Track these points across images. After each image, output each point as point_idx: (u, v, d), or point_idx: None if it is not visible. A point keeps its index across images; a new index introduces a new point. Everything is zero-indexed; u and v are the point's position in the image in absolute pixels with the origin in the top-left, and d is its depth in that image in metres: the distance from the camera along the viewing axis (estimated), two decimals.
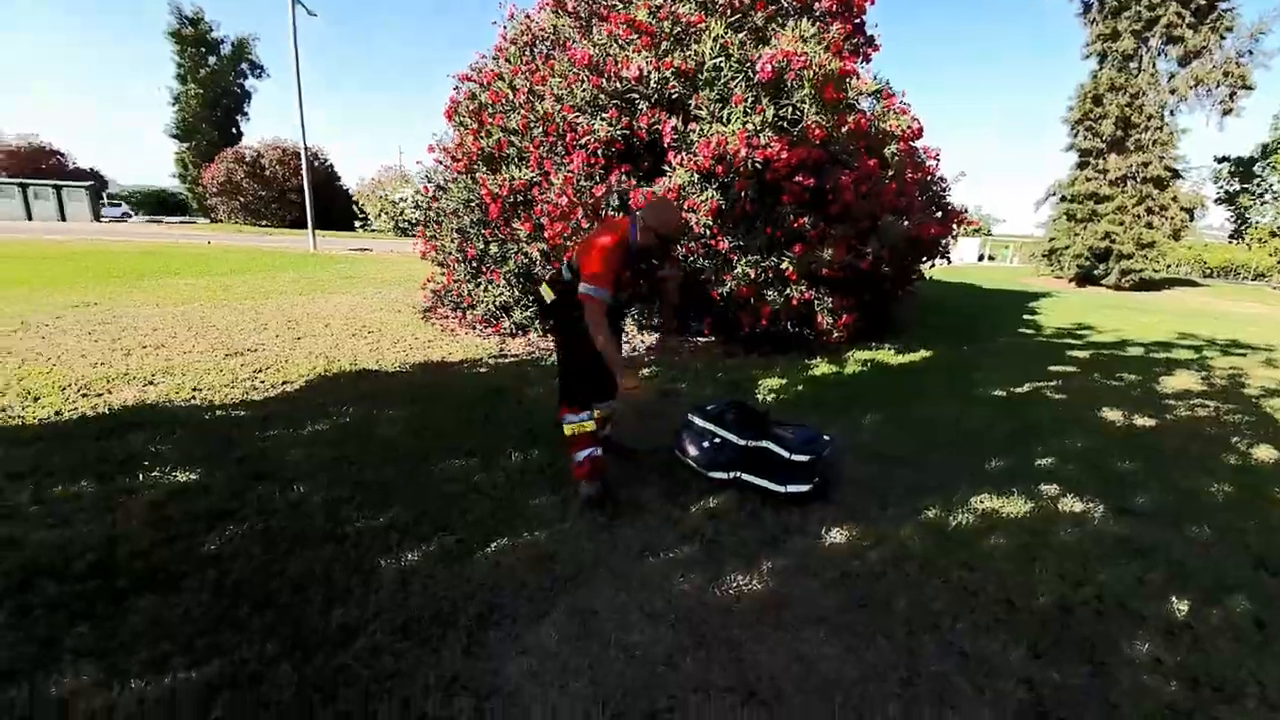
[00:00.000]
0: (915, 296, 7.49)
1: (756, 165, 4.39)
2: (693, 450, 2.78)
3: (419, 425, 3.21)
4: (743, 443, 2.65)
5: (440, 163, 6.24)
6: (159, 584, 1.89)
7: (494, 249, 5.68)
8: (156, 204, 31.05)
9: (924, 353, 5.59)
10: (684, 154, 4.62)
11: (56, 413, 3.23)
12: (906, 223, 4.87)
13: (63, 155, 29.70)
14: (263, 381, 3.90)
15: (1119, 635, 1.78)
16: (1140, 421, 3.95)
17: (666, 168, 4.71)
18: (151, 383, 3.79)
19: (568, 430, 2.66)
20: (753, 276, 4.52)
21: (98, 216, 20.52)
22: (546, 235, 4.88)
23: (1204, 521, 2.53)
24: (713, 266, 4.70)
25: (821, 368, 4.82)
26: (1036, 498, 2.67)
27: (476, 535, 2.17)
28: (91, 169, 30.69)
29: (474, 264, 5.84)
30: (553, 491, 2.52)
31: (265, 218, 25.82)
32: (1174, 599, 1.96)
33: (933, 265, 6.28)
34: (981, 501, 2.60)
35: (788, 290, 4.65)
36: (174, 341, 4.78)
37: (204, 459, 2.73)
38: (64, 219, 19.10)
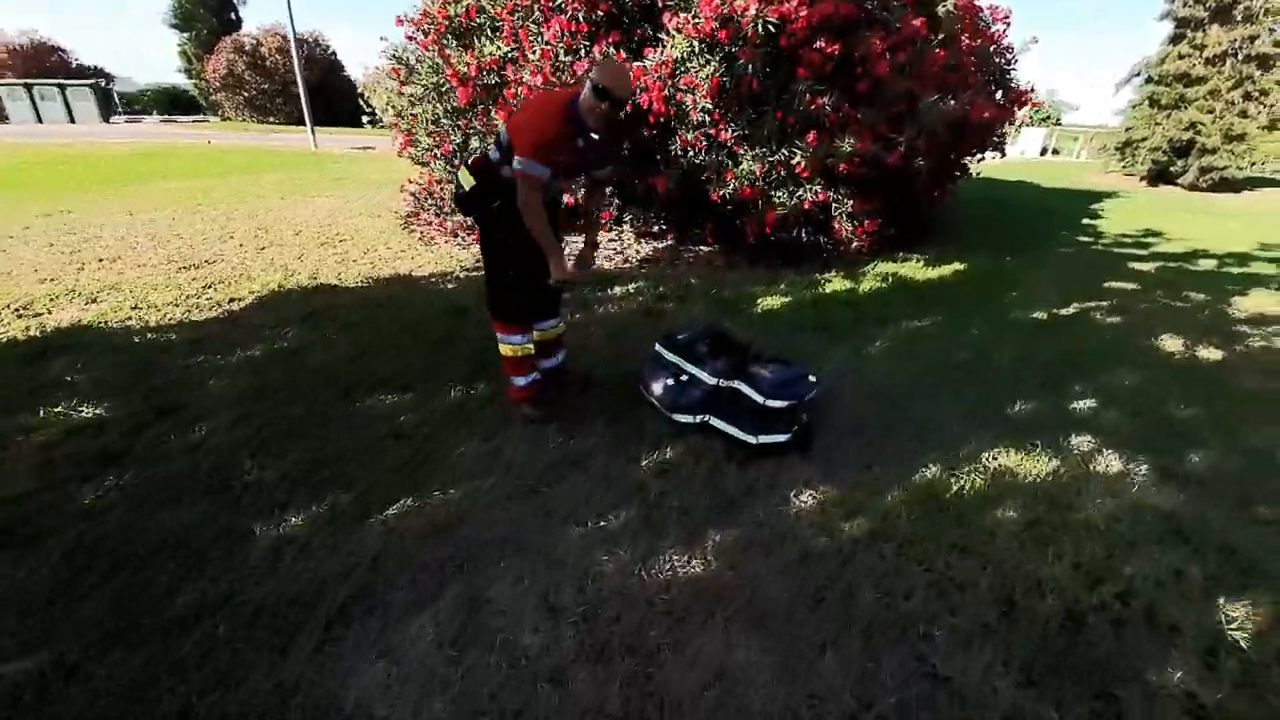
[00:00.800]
0: (956, 197, 6.57)
1: (769, 27, 3.55)
2: (656, 388, 2.38)
3: (359, 351, 2.87)
4: (713, 381, 2.23)
5: (410, 38, 5.43)
6: (14, 543, 1.68)
7: (474, 143, 5.04)
8: (169, 102, 29.99)
9: (958, 266, 4.89)
10: (683, 15, 3.79)
11: None
12: (954, 103, 4.01)
13: (64, 52, 28.29)
14: (209, 299, 3.58)
15: (1142, 656, 1.40)
16: (1205, 354, 3.34)
17: (664, 35, 3.90)
18: (95, 300, 3.51)
19: (504, 351, 2.29)
20: (758, 174, 3.85)
21: (107, 117, 19.87)
22: None
23: (1276, 495, 2.07)
24: (714, 162, 4.02)
25: (834, 283, 4.23)
26: (1064, 454, 2.22)
27: (378, 493, 1.87)
28: (96, 67, 29.37)
29: (451, 161, 5.23)
30: (484, 438, 2.19)
31: (270, 113, 24.64)
32: (1223, 605, 1.55)
33: (982, 159, 5.35)
34: (995, 458, 2.16)
35: (800, 191, 3.97)
36: (131, 254, 4.46)
37: (116, 390, 2.47)
38: (72, 120, 18.54)
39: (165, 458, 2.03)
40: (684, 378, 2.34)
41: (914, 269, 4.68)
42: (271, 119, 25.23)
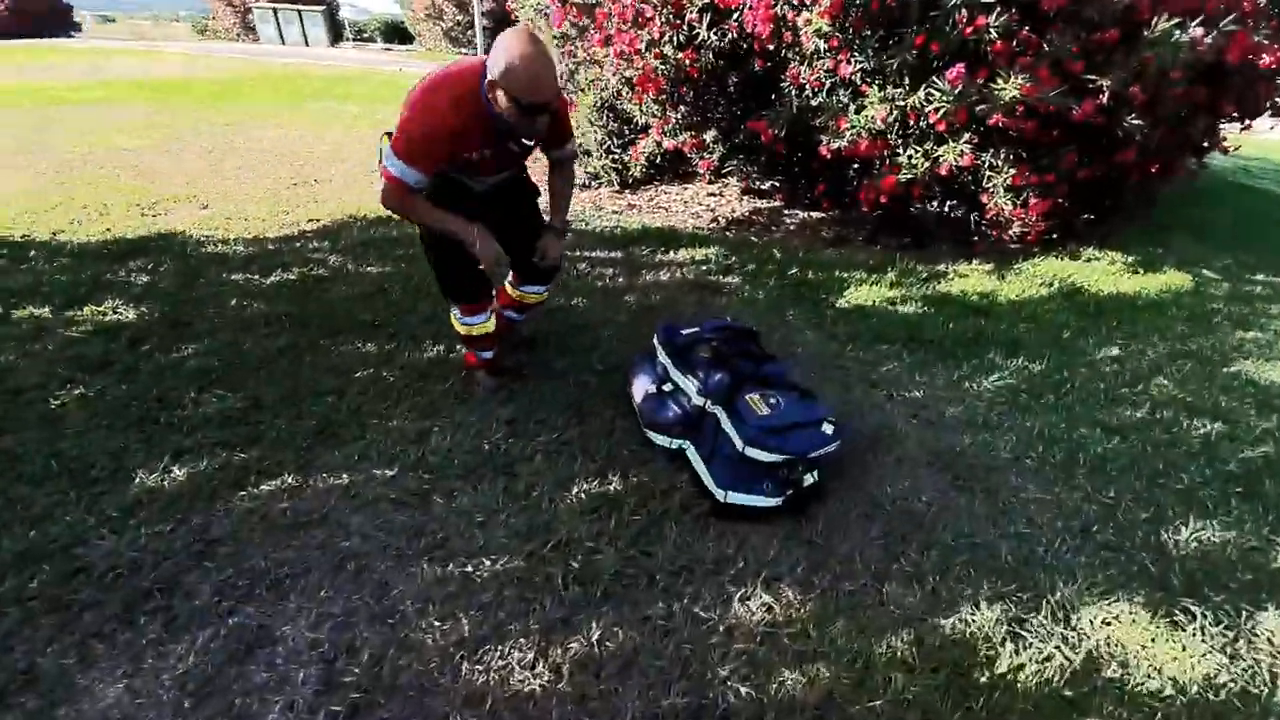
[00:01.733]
0: (1199, 180, 4.71)
1: None
2: (637, 392, 1.90)
3: (376, 289, 2.76)
4: (701, 401, 1.70)
5: None
6: None
7: (579, 76, 4.64)
8: (391, 31, 33.33)
9: (1175, 277, 3.47)
10: None
11: (107, 229, 3.41)
12: (1206, 37, 2.62)
13: None
14: (293, 218, 3.73)
15: None
16: None
17: None
18: (205, 207, 3.86)
19: (458, 329, 1.97)
20: (880, 123, 2.94)
21: (335, 42, 22.57)
22: (615, 50, 3.69)
23: None
24: (830, 105, 3.16)
25: (969, 279, 3.21)
26: (1245, 641, 1.35)
27: (274, 457, 1.69)
28: None
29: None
30: (423, 414, 1.91)
31: (463, 45, 26.39)
32: None
33: (1247, 128, 3.65)
34: (1107, 622, 1.38)
35: (939, 151, 2.98)
36: (263, 167, 4.87)
37: (156, 297, 2.62)
38: (307, 43, 21.29)
39: (134, 376, 2.07)
40: (667, 387, 1.82)
41: (1099, 274, 3.40)
42: (463, 50, 26.97)
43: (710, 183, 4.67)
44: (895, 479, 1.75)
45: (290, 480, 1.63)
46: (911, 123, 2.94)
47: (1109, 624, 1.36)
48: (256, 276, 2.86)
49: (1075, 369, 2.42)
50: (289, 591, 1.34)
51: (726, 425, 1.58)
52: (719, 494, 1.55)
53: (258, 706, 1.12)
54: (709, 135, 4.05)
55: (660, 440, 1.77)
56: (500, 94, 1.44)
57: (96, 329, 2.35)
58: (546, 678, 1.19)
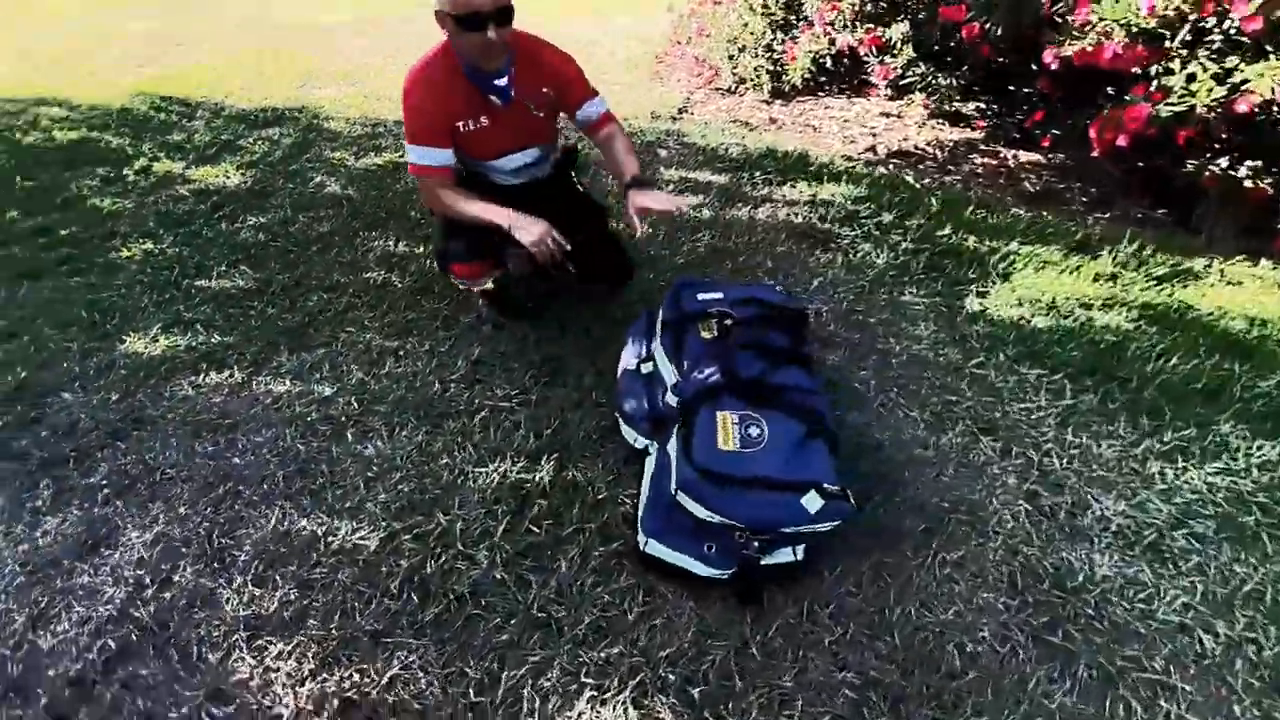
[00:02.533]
0: None
1: None
2: (621, 364, 1.47)
3: None
4: (673, 400, 1.23)
5: None
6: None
7: None
8: None
9: None
10: None
11: (266, 97, 3.70)
12: None
13: None
14: None
15: None
16: None
17: None
18: (354, 84, 4.01)
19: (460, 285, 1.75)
20: (1146, 13, 1.81)
21: None
22: None
23: None
24: None
25: (1241, 293, 1.99)
26: None
27: (225, 356, 1.63)
28: None
29: None
30: (399, 332, 1.71)
31: None
32: None
33: None
34: None
35: (1245, 72, 1.76)
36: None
37: (263, 165, 2.76)
38: None
39: (194, 240, 2.17)
40: (647, 367, 1.36)
41: None
42: None
43: (890, 99, 3.62)
44: (936, 604, 1.13)
45: (237, 377, 1.56)
46: (1206, 20, 1.77)
47: None
48: (350, 158, 2.86)
49: None
50: (160, 498, 1.27)
51: (672, 447, 1.10)
52: (640, 538, 1.12)
53: (62, 610, 1.08)
54: (896, 31, 3.04)
55: (627, 433, 1.35)
56: (447, 26, 1.32)
57: (200, 189, 2.54)
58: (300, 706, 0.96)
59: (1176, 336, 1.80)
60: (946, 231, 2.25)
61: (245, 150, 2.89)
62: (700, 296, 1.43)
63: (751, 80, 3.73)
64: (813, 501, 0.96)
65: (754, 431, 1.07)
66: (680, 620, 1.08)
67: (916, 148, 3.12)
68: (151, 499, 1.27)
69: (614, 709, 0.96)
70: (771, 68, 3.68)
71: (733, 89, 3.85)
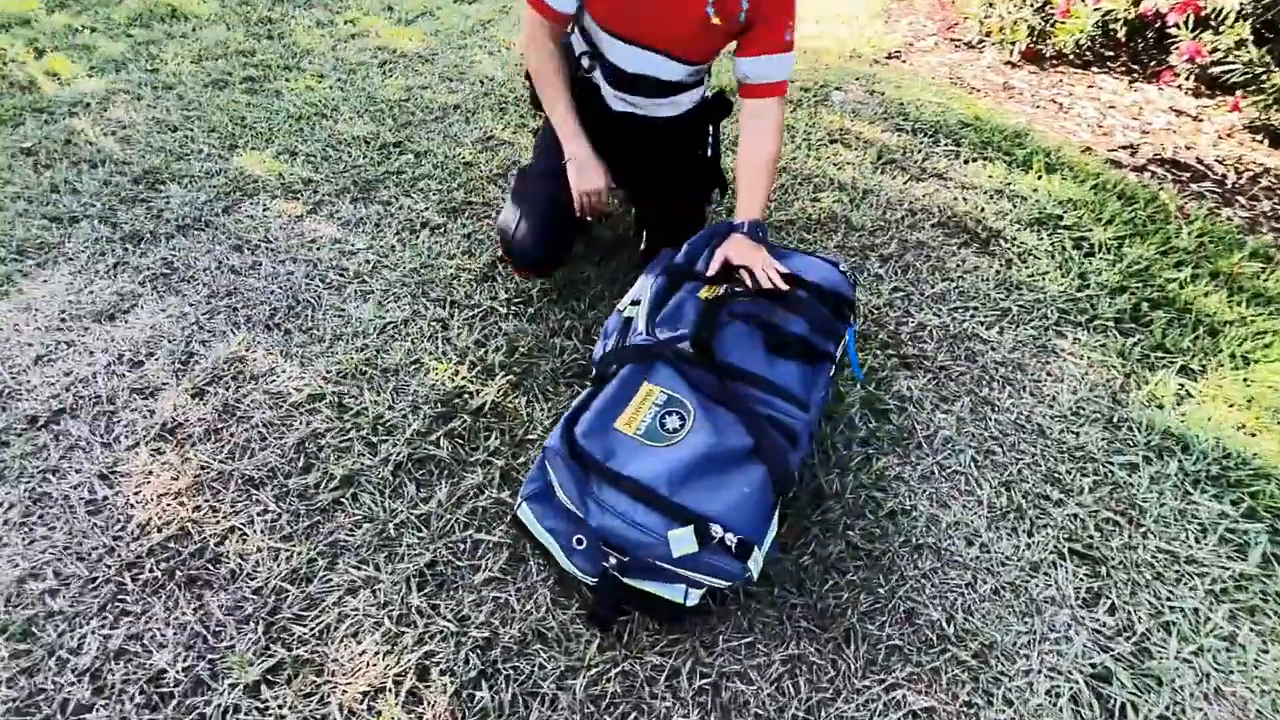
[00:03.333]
0: None
1: None
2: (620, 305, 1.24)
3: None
4: (647, 338, 0.98)
5: None
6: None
7: None
8: None
9: None
10: None
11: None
12: None
13: None
14: None
15: None
16: None
17: None
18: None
19: None
20: None
21: None
22: None
23: None
24: None
25: None
26: None
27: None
28: None
29: None
30: (419, 270, 1.65)
31: None
32: None
33: None
34: None
35: None
36: None
37: (437, 32, 2.86)
38: None
39: (322, 78, 2.32)
40: (630, 311, 1.11)
41: None
42: None
43: (1192, 91, 2.59)
44: None
45: (299, 211, 1.64)
46: None
47: None
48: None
49: None
50: (179, 293, 1.39)
51: (577, 399, 0.87)
52: (518, 499, 0.93)
53: (59, 359, 1.23)
54: None
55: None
56: None
57: (382, 45, 2.71)
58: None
59: None
60: (1184, 274, 1.55)
61: (439, 19, 3.03)
62: (703, 252, 1.12)
63: (1004, 35, 2.93)
64: (683, 541, 0.68)
65: (673, 423, 0.80)
66: (523, 606, 0.90)
67: (1202, 162, 2.21)
68: (173, 292, 1.40)
69: (390, 665, 0.83)
70: (1035, 23, 2.84)
71: (974, 43, 3.07)
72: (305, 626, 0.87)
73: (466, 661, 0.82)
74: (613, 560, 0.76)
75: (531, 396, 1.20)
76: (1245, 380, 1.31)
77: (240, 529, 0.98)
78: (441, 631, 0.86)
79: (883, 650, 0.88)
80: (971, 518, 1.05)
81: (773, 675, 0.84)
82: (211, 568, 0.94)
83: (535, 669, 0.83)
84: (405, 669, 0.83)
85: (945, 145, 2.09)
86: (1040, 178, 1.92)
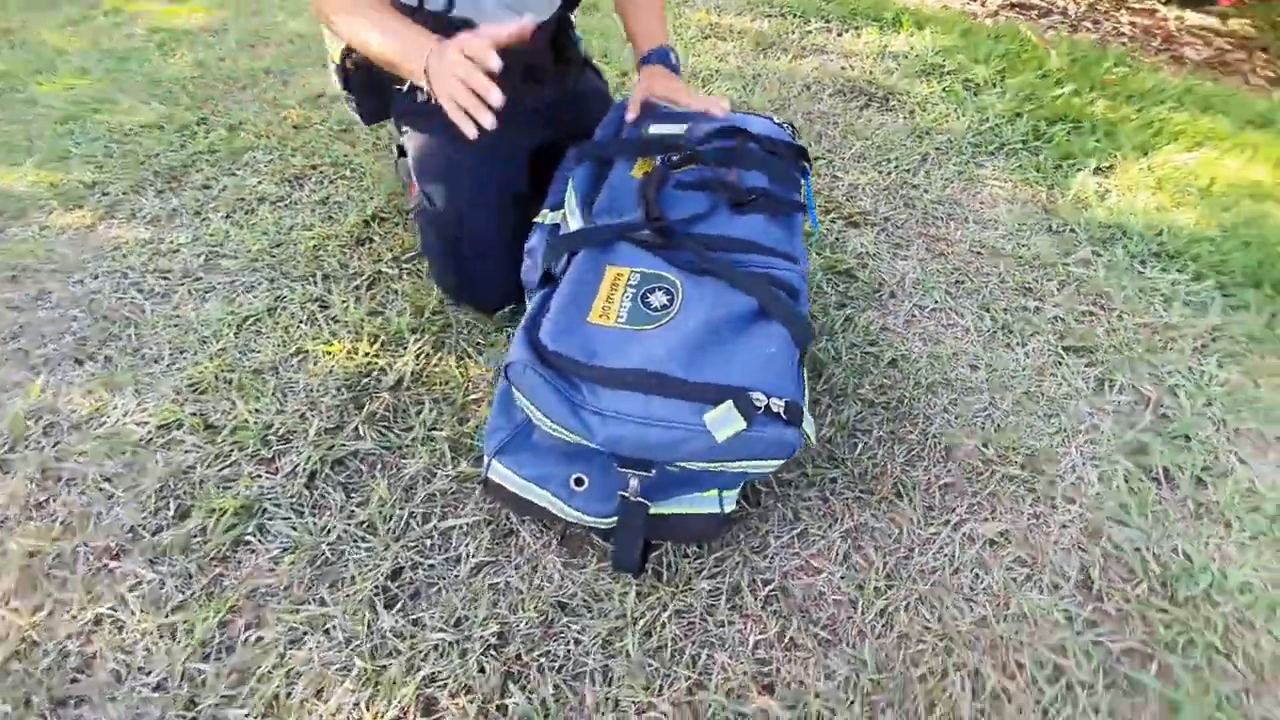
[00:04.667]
0: None
1: None
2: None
3: None
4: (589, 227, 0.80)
5: None
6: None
7: None
8: None
9: None
10: None
11: None
12: None
13: None
14: None
15: None
16: None
17: None
18: None
19: None
20: None
21: None
22: None
23: None
24: None
25: None
26: None
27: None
28: None
29: None
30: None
31: None
32: None
33: None
34: None
35: None
36: None
37: (223, 3, 2.39)
38: None
39: (84, 74, 1.86)
40: (554, 217, 0.92)
41: None
42: None
43: None
44: (947, 602, 0.70)
45: (88, 219, 1.25)
46: None
47: None
48: None
49: None
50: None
51: (531, 300, 0.69)
52: (485, 457, 0.74)
53: None
54: None
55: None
56: None
57: (155, 27, 2.21)
58: None
59: None
60: (1066, 91, 1.60)
61: None
62: (654, 128, 0.97)
63: None
64: (725, 421, 0.54)
65: (659, 300, 0.64)
66: (530, 583, 0.71)
67: (1045, 1, 2.34)
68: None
69: (380, 711, 0.62)
70: None
71: None
72: (242, 709, 0.63)
73: (481, 670, 0.63)
74: (633, 483, 0.60)
75: (460, 354, 0.98)
76: (1149, 167, 1.37)
77: (109, 616, 0.70)
78: (436, 646, 0.66)
79: (936, 493, 0.79)
80: (966, 345, 0.99)
81: (837, 556, 0.73)
82: (83, 676, 0.66)
83: (571, 646, 0.66)
84: (404, 708, 0.62)
85: (816, 23, 2.04)
86: (912, 35, 1.92)
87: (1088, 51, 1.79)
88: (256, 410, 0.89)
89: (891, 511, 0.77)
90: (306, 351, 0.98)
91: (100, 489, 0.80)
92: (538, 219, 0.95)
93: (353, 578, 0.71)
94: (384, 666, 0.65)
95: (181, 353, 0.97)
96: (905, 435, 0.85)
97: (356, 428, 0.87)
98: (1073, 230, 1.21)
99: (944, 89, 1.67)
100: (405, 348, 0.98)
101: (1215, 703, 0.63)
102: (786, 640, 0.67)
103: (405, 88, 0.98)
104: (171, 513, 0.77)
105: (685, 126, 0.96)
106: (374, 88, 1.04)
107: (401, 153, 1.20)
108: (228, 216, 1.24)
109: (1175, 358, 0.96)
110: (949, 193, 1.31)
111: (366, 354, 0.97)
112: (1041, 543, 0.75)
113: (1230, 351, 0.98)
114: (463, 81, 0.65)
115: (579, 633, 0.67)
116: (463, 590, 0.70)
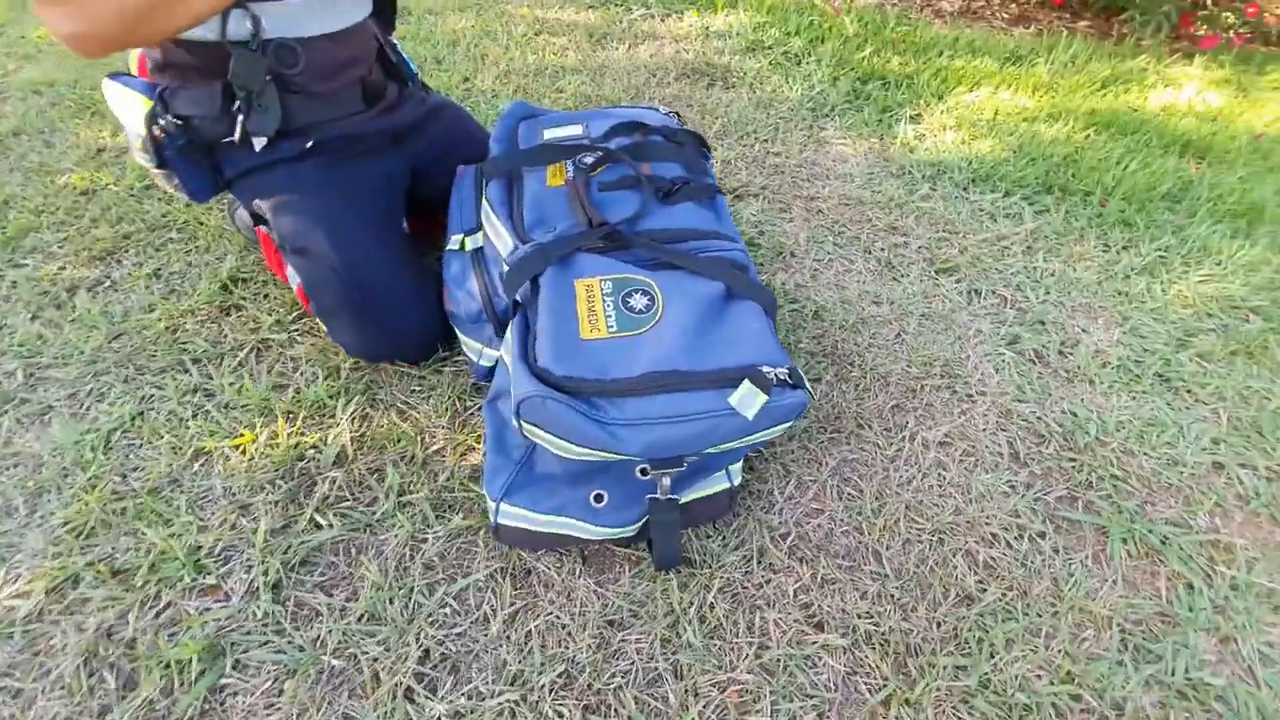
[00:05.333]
0: None
1: None
2: (446, 251, 0.97)
3: None
4: (531, 246, 0.75)
5: None
6: None
7: None
8: None
9: None
10: None
11: None
12: None
13: None
14: None
15: None
16: None
17: None
18: None
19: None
20: None
21: None
22: None
23: None
24: None
25: (1181, 90, 1.84)
26: None
27: None
28: None
29: None
30: None
31: None
32: None
33: None
34: None
35: None
36: None
37: None
38: None
39: None
40: (474, 242, 0.88)
41: None
42: None
43: None
44: (926, 503, 0.83)
45: None
46: None
47: None
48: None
49: None
50: None
51: (508, 350, 0.67)
52: (490, 503, 0.70)
53: None
54: None
55: (468, 347, 0.89)
56: None
57: None
58: None
59: (1128, 141, 1.55)
60: (866, 54, 1.84)
61: None
62: (548, 133, 0.95)
63: None
64: (748, 398, 0.57)
65: (641, 302, 0.65)
66: (572, 612, 0.70)
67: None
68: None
69: None
70: None
71: None
72: None
73: (559, 715, 0.60)
74: (665, 482, 0.61)
75: (400, 406, 0.89)
76: (947, 109, 1.63)
77: None
78: (501, 711, 0.62)
79: (889, 416, 0.90)
80: (865, 285, 1.12)
81: (832, 494, 0.80)
82: None
83: (635, 658, 0.65)
84: None
85: (639, 10, 2.11)
86: (729, 15, 2.07)
87: (872, 17, 2.08)
88: (172, 534, 0.74)
89: (860, 443, 0.87)
90: (208, 451, 0.83)
91: (2, 689, 0.62)
92: (452, 246, 0.90)
93: (376, 677, 0.64)
94: None
95: (40, 495, 0.77)
96: (848, 374, 0.95)
97: (311, 518, 0.76)
98: (909, 172, 1.42)
99: (770, 62, 1.83)
100: (333, 416, 0.87)
101: (1129, 517, 0.81)
102: (819, 580, 0.72)
103: (238, 137, 0.85)
104: (112, 686, 0.62)
105: (581, 126, 0.96)
106: (199, 153, 0.88)
107: (239, 206, 1.06)
108: (34, 317, 1.00)
109: (1013, 261, 1.19)
110: (806, 156, 1.46)
111: (290, 434, 0.85)
112: (975, 433, 0.89)
113: (1048, 248, 1.22)
114: None
115: (638, 642, 0.66)
116: (504, 645, 0.66)
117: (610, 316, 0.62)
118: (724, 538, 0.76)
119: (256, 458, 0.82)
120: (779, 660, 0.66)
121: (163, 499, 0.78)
